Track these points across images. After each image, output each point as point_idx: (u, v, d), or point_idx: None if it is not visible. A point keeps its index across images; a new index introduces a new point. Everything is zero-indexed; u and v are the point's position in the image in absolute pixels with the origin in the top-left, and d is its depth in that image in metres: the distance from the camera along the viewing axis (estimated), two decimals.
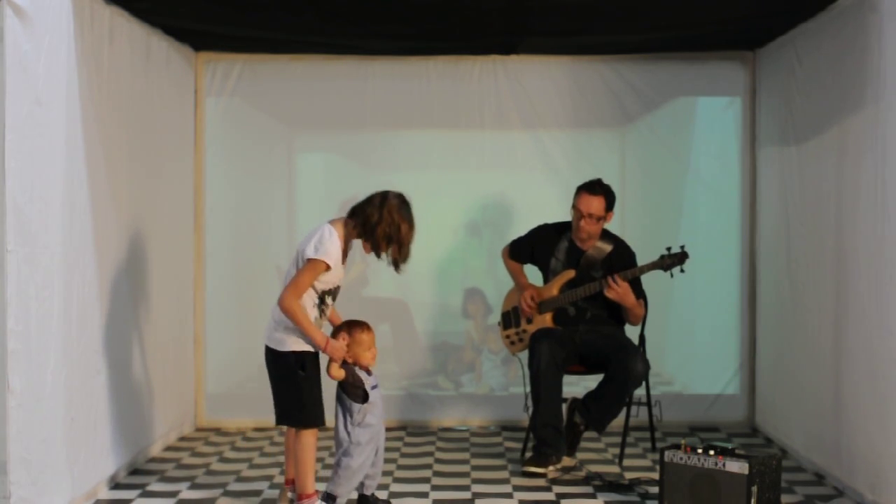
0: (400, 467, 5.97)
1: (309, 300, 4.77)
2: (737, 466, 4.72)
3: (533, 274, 6.26)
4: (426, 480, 5.68)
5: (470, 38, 6.69)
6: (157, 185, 6.27)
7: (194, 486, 5.54)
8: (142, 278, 6.00)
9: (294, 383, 4.78)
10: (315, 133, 7.58)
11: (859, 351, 5.13)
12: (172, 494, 5.37)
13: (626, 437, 6.16)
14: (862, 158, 5.10)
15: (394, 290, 7.38)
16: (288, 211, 7.40)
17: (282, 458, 6.19)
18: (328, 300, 4.87)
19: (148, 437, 6.08)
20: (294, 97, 7.20)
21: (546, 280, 6.16)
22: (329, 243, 4.71)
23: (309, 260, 4.71)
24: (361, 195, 4.89)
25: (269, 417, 6.88)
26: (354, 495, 4.99)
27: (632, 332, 6.16)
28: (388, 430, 6.81)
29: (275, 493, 5.41)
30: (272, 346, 4.82)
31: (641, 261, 5.99)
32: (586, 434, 6.28)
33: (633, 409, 6.19)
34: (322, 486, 4.94)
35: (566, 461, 5.84)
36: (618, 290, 5.82)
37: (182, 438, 6.74)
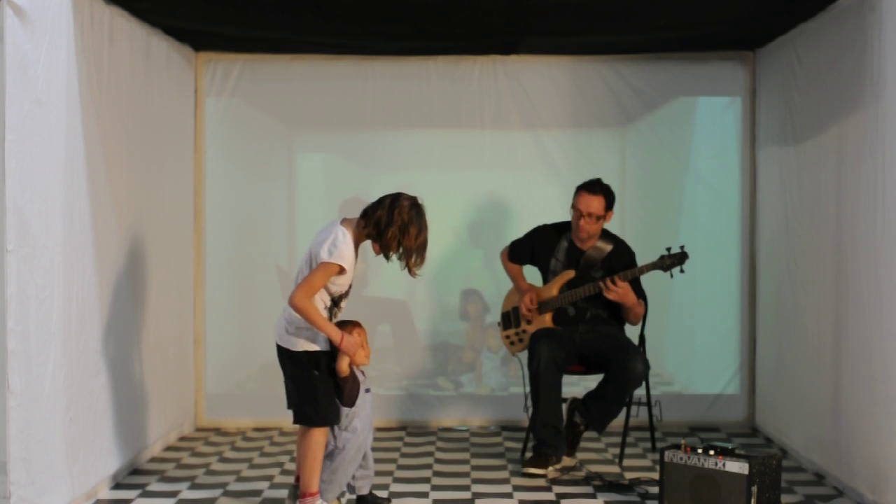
0: (400, 467, 5.97)
1: (320, 303, 4.71)
2: (737, 466, 4.72)
3: (532, 274, 6.26)
4: (426, 480, 5.68)
5: (470, 38, 6.69)
6: (157, 186, 6.27)
7: (194, 486, 5.54)
8: (142, 278, 6.00)
9: (308, 383, 4.76)
10: (315, 133, 7.57)
11: (859, 351, 5.13)
12: (172, 494, 5.37)
13: (626, 437, 6.16)
14: (862, 158, 5.10)
15: (394, 290, 7.38)
16: (288, 211, 7.40)
17: (282, 458, 6.19)
18: (343, 303, 4.83)
19: (148, 437, 6.08)
20: (294, 97, 7.20)
21: (546, 280, 6.16)
22: (343, 246, 4.65)
23: (323, 263, 4.64)
24: (362, 195, 4.89)
25: (269, 417, 6.96)
26: (350, 495, 5.00)
27: (632, 332, 6.16)
28: (388, 430, 6.86)
29: (275, 493, 5.40)
30: (285, 345, 4.79)
31: (641, 261, 5.99)
32: (586, 434, 6.28)
33: (633, 409, 6.19)
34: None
35: (566, 461, 5.84)
36: (617, 290, 5.82)
37: (182, 438, 6.74)
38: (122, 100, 5.64)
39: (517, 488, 5.50)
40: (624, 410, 6.06)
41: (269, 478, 5.74)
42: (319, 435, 4.79)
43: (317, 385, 4.76)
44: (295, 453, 5.10)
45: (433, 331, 7.45)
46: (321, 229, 4.80)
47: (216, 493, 5.41)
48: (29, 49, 4.45)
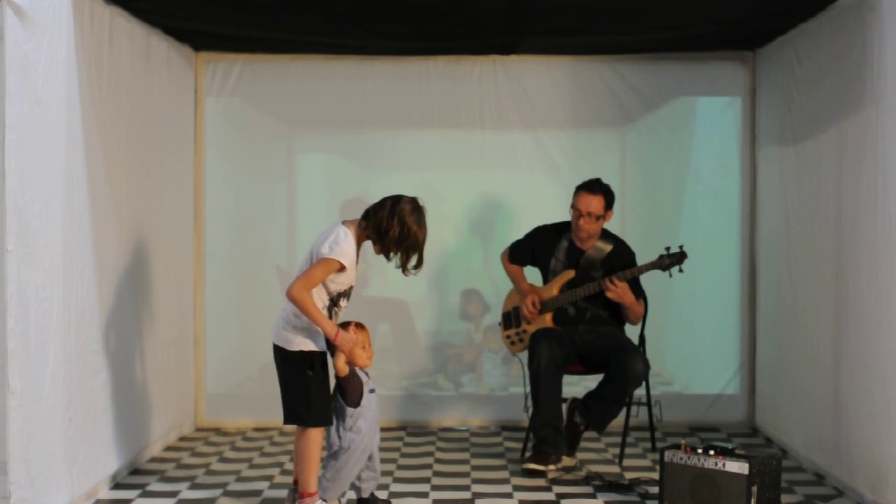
0: (400, 467, 5.97)
1: (319, 302, 4.71)
2: (737, 466, 4.72)
3: (532, 274, 6.26)
4: (426, 480, 5.68)
5: (470, 38, 6.69)
6: (157, 186, 6.27)
7: (194, 486, 5.54)
8: (142, 278, 6.00)
9: (302, 382, 4.75)
10: (315, 133, 7.57)
11: (859, 351, 5.13)
12: (172, 494, 5.37)
13: (626, 437, 6.16)
14: (862, 158, 5.10)
15: (394, 290, 7.38)
16: (288, 211, 7.40)
17: (282, 458, 6.19)
18: (342, 302, 4.83)
19: (148, 437, 6.08)
20: (294, 97, 7.20)
21: (546, 280, 6.16)
22: (345, 244, 4.66)
23: (323, 258, 4.64)
24: (362, 195, 4.89)
25: (269, 417, 6.95)
26: (354, 497, 4.99)
27: (632, 331, 6.16)
28: (388, 430, 6.86)
29: (275, 493, 5.41)
30: (280, 344, 4.79)
31: (641, 260, 5.99)
32: (586, 434, 6.28)
33: (633, 409, 6.19)
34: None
35: (566, 461, 5.85)
36: (616, 290, 5.82)
37: (182, 438, 6.74)
38: (122, 100, 5.64)
39: (517, 488, 5.50)
40: (624, 410, 6.06)
41: (269, 478, 5.74)
42: (316, 435, 4.79)
43: (310, 385, 4.75)
44: (293, 454, 5.11)
45: (433, 330, 7.45)
46: (323, 231, 4.80)
47: (216, 493, 5.41)
48: (29, 49, 4.45)
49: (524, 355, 6.08)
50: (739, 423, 7.10)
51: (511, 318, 6.26)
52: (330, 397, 4.83)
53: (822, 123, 5.67)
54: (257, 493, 5.41)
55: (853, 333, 5.21)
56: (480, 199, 7.43)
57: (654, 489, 5.26)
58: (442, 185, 7.22)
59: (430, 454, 6.34)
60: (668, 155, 7.29)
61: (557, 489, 5.47)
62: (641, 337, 6.20)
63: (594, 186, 5.93)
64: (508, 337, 6.27)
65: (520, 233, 6.33)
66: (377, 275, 7.32)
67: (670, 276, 5.92)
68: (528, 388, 5.96)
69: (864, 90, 5.07)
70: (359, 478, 4.93)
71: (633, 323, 6.08)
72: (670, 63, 7.10)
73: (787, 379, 6.31)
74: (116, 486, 5.50)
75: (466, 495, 5.36)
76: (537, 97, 7.17)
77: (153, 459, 6.11)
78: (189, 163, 6.95)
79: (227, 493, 5.40)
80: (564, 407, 5.95)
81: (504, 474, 5.82)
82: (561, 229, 6.14)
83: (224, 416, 7.15)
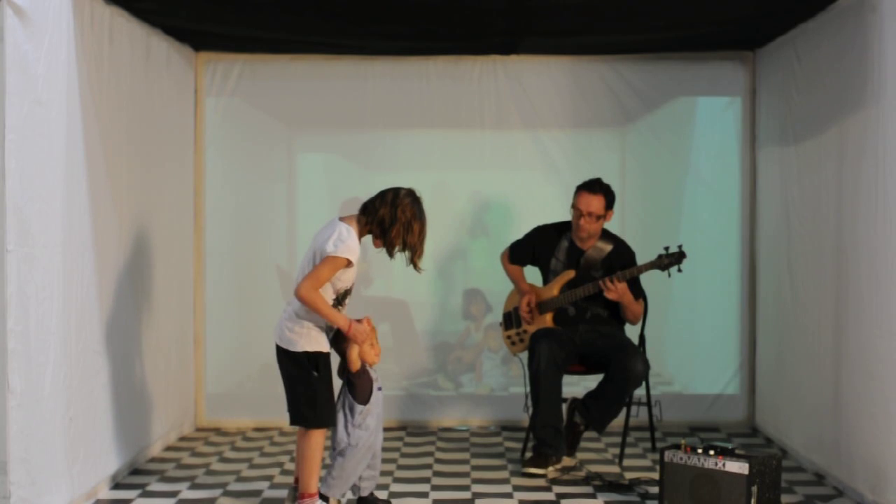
0: (400, 467, 5.97)
1: None
2: (737, 466, 4.72)
3: (532, 275, 6.26)
4: (426, 480, 5.68)
5: (470, 38, 6.69)
6: (157, 185, 6.27)
7: (194, 486, 5.54)
8: (142, 278, 6.00)
9: (307, 384, 4.74)
10: (315, 133, 7.58)
11: (859, 351, 5.13)
12: (172, 494, 5.37)
13: (626, 437, 6.15)
14: (862, 158, 5.10)
15: (394, 289, 7.38)
16: (288, 211, 7.40)
17: (282, 458, 6.19)
18: (346, 301, 4.83)
19: (148, 437, 6.08)
20: (294, 97, 7.20)
21: (546, 280, 6.16)
22: (349, 240, 4.64)
23: (330, 256, 4.62)
24: (362, 195, 4.87)
25: (269, 417, 6.97)
26: (352, 496, 4.99)
27: (632, 331, 6.16)
28: (388, 429, 6.83)
29: (275, 493, 5.41)
30: (284, 345, 4.78)
31: (641, 260, 5.99)
32: (586, 434, 6.28)
33: (633, 409, 6.19)
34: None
35: (566, 461, 5.84)
36: (614, 291, 5.82)
37: (182, 438, 6.74)
38: (122, 100, 5.64)
39: (517, 488, 5.50)
40: (624, 410, 6.06)
41: (269, 478, 5.74)
42: (318, 436, 4.78)
43: (316, 386, 4.74)
44: (294, 454, 5.10)
45: (433, 331, 7.45)
46: (320, 229, 4.80)
47: (216, 493, 5.41)
48: (29, 49, 4.45)
49: (524, 355, 6.08)
50: (739, 423, 7.10)
51: (511, 319, 6.26)
52: (334, 398, 4.83)
53: (822, 123, 5.67)
54: (257, 493, 5.41)
55: (853, 333, 5.21)
56: (480, 199, 7.43)
57: (654, 489, 5.26)
58: (442, 185, 7.23)
59: (430, 454, 6.34)
60: (668, 155, 7.29)
61: (557, 489, 5.47)
62: (641, 337, 6.20)
63: (594, 186, 5.93)
64: (509, 337, 6.27)
65: (519, 233, 6.33)
66: (377, 274, 7.32)
67: (669, 275, 5.92)
68: (528, 388, 5.96)
69: (864, 90, 5.07)
70: (360, 477, 4.93)
71: (633, 323, 6.08)
72: (670, 63, 7.10)
73: (787, 379, 6.31)
74: (116, 486, 5.50)
75: (466, 495, 5.36)
76: (537, 97, 7.17)
77: (153, 459, 6.11)
78: (189, 163, 6.95)
79: (227, 493, 5.40)
80: (564, 407, 5.95)
81: (504, 474, 5.82)
82: (561, 229, 6.14)
83: (224, 415, 7.15)
